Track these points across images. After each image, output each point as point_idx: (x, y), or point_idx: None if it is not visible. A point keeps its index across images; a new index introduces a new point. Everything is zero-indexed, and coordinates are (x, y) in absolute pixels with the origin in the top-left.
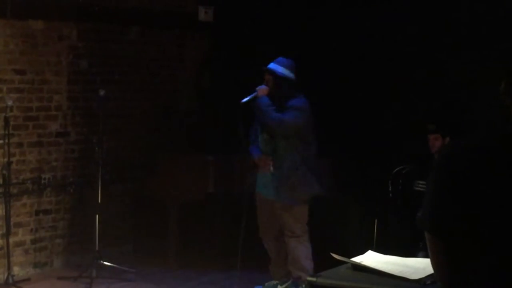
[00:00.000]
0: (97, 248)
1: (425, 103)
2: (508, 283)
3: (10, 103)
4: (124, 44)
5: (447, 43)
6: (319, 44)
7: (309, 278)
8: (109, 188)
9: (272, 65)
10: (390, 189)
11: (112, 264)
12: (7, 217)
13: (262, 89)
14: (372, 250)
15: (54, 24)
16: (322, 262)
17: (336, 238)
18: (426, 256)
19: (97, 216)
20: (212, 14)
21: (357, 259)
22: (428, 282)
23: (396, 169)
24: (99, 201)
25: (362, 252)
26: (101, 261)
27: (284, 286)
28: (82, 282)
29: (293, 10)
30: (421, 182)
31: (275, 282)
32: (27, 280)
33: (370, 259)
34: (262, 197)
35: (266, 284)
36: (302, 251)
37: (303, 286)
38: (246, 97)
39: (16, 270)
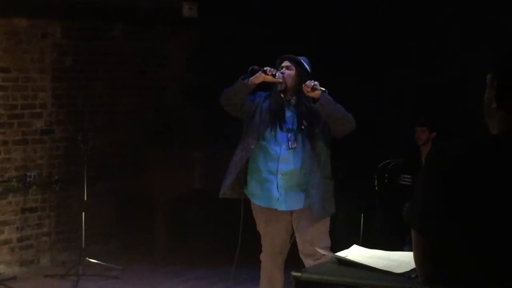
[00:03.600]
0: (83, 246)
1: (413, 97)
2: (491, 282)
3: None
4: (109, 41)
5: (439, 37)
6: (306, 37)
7: (294, 273)
8: (95, 185)
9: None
10: (376, 183)
11: (99, 261)
12: None
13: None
14: (358, 244)
15: (38, 22)
16: None
17: None
18: (412, 250)
19: (83, 213)
20: (196, 10)
21: (342, 253)
22: (413, 275)
23: (382, 163)
24: (85, 198)
25: (348, 246)
26: (88, 259)
27: None
28: (69, 279)
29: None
30: (406, 176)
31: None
32: (13, 278)
33: (355, 253)
34: (266, 209)
35: None
36: None
37: None
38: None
39: (2, 268)
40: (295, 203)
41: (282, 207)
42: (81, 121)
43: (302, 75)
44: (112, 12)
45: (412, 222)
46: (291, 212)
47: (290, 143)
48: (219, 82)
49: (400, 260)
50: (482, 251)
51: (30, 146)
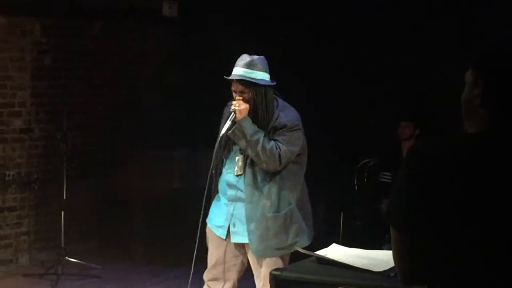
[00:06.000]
0: (62, 245)
1: (394, 94)
2: (472, 279)
3: None
4: (88, 39)
5: (426, 34)
6: (286, 37)
7: (274, 272)
8: (74, 184)
9: (243, 71)
10: (355, 182)
11: (78, 261)
12: None
13: (241, 109)
14: (338, 243)
15: (17, 20)
16: None
17: None
18: (391, 248)
19: (62, 212)
20: (176, 9)
21: (322, 252)
22: (392, 274)
23: (362, 162)
24: (64, 197)
25: (328, 245)
26: (67, 258)
27: None
28: (48, 279)
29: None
30: (386, 173)
31: None
32: None
33: (335, 252)
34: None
35: None
36: None
37: None
38: (223, 126)
39: None
40: (242, 235)
41: (226, 237)
42: (61, 120)
43: (261, 96)
44: (91, 10)
45: (391, 220)
46: (240, 244)
47: (236, 168)
48: (197, 81)
49: (379, 259)
50: (461, 250)
51: (9, 145)
